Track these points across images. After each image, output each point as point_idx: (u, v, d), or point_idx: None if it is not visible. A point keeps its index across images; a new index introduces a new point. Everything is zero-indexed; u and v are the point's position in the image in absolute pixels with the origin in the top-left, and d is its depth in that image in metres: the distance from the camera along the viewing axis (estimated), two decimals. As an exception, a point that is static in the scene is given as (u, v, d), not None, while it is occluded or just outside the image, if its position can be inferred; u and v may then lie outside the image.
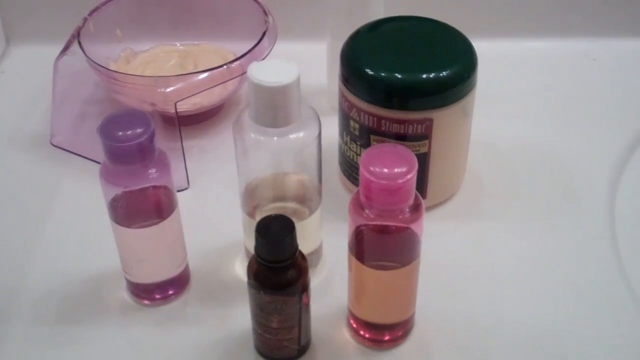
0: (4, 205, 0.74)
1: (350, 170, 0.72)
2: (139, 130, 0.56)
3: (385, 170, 0.52)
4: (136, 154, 0.56)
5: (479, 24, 0.84)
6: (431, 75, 0.65)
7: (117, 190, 0.59)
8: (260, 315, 0.57)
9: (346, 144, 0.70)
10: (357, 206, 0.55)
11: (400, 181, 0.52)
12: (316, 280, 0.65)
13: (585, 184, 0.76)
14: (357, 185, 0.71)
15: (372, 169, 0.52)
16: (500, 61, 0.88)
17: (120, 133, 0.56)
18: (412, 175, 0.52)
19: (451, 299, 0.65)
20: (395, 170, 0.52)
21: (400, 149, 0.54)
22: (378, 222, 0.54)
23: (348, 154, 0.70)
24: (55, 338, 0.63)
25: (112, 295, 0.66)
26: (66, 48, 0.78)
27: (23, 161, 0.79)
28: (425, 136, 0.66)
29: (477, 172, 0.76)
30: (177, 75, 0.74)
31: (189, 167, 0.76)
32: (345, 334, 0.62)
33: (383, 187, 0.52)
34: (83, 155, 0.78)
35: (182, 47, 0.86)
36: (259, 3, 0.81)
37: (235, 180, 0.63)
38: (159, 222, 0.61)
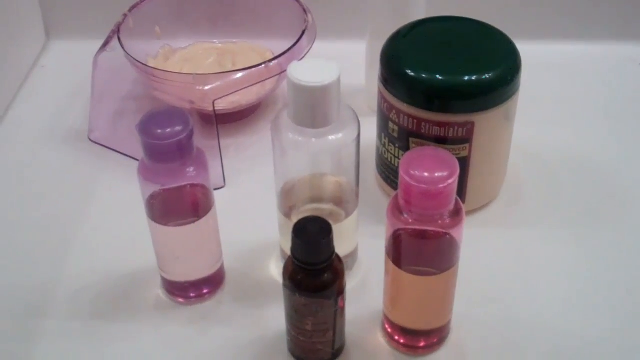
0: (42, 200, 0.75)
1: (387, 172, 0.71)
2: (178, 128, 0.55)
3: (426, 174, 0.51)
4: (175, 152, 0.56)
5: (522, 26, 0.83)
6: (473, 78, 0.63)
7: (155, 188, 0.59)
8: (295, 318, 0.57)
9: (384, 145, 0.69)
10: (396, 210, 0.54)
11: (441, 186, 0.51)
12: (351, 283, 0.64)
13: (628, 193, 0.74)
14: (394, 188, 0.71)
15: (412, 172, 0.51)
16: (544, 64, 0.87)
17: (160, 131, 0.55)
18: (454, 180, 0.51)
19: (488, 306, 0.64)
20: (436, 174, 0.51)
21: (441, 152, 0.53)
22: (417, 227, 0.53)
23: (386, 156, 0.70)
24: (89, 334, 0.63)
25: (147, 292, 0.66)
26: (106, 44, 0.78)
27: (61, 156, 0.79)
28: (466, 140, 0.65)
29: (517, 178, 0.74)
30: (216, 73, 0.73)
31: (225, 165, 0.75)
32: (380, 339, 0.62)
33: (423, 192, 0.51)
34: (121, 151, 0.79)
35: (220, 45, 0.86)
36: (298, 1, 0.80)
37: (272, 179, 0.63)
38: (196, 220, 0.60)
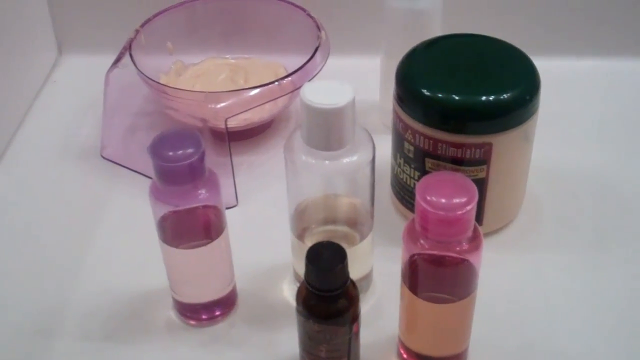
0: (53, 217, 0.74)
1: (402, 192, 0.70)
2: (189, 151, 0.54)
3: (443, 200, 0.50)
4: (186, 174, 0.55)
5: (539, 42, 0.81)
6: (491, 98, 0.62)
7: (166, 209, 0.58)
8: (309, 344, 0.55)
9: (399, 165, 0.68)
10: (412, 235, 0.53)
11: (459, 212, 0.49)
12: (366, 306, 0.63)
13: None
14: (409, 208, 0.69)
15: (429, 198, 0.50)
16: (562, 81, 0.85)
17: (171, 153, 0.54)
18: (472, 207, 0.50)
19: (506, 331, 0.62)
20: (454, 200, 0.50)
21: (459, 177, 0.52)
22: (434, 252, 0.52)
23: (401, 176, 0.68)
24: (100, 356, 0.62)
25: (158, 313, 0.65)
26: (118, 60, 0.78)
27: (73, 173, 0.79)
28: (484, 161, 0.63)
29: (536, 199, 0.73)
30: (228, 91, 0.72)
31: (237, 183, 0.74)
32: (395, 365, 0.60)
33: (440, 218, 0.50)
34: (133, 169, 0.78)
35: (233, 61, 0.85)
36: (312, 18, 0.79)
37: (284, 198, 0.61)
38: (208, 242, 0.59)
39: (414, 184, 0.67)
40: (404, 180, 0.68)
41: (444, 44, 0.69)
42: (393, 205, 0.73)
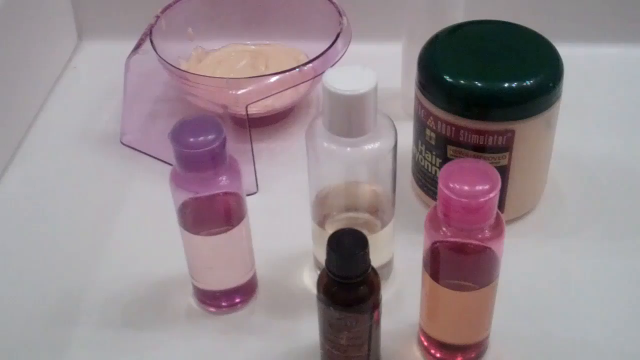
0: (72, 204, 0.74)
1: (424, 180, 0.69)
2: (210, 137, 0.54)
3: (466, 187, 0.49)
4: (207, 161, 0.55)
5: (563, 28, 0.80)
6: (514, 85, 0.61)
7: (187, 196, 0.58)
8: (329, 331, 0.55)
9: (421, 153, 0.68)
10: (434, 222, 0.52)
11: (482, 200, 0.49)
12: (386, 294, 0.62)
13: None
14: (430, 195, 0.69)
15: (452, 185, 0.50)
16: (586, 68, 0.84)
17: (192, 139, 0.54)
18: (495, 194, 0.49)
19: (527, 320, 0.62)
20: (477, 187, 0.49)
21: (482, 164, 0.51)
22: (456, 240, 0.52)
23: (422, 163, 0.68)
24: (119, 343, 0.62)
25: (178, 300, 0.65)
26: (138, 46, 0.77)
27: (93, 159, 0.79)
28: (506, 148, 0.63)
29: (558, 187, 0.72)
30: (249, 77, 0.72)
31: (257, 170, 0.74)
32: (416, 352, 0.60)
33: (463, 205, 0.49)
34: (153, 155, 0.78)
35: (253, 47, 0.85)
36: (333, 3, 0.79)
37: (305, 185, 0.61)
38: (228, 229, 0.59)
39: (435, 171, 0.67)
40: (425, 167, 0.68)
41: (467, 30, 0.68)
42: (414, 192, 0.72)
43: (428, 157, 0.67)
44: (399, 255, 0.65)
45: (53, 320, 0.64)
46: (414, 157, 0.70)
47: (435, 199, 0.68)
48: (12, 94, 0.79)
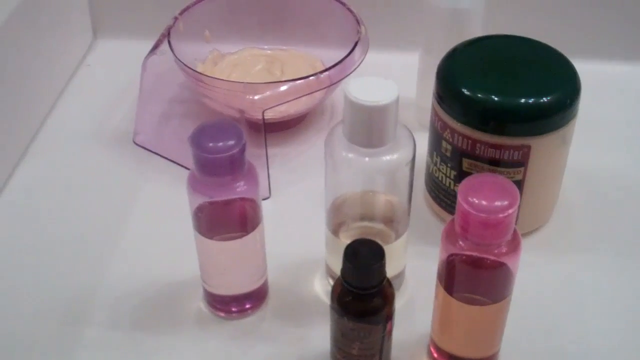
0: (84, 203, 0.74)
1: (437, 191, 0.69)
2: (230, 142, 0.54)
3: (484, 202, 0.50)
4: (226, 166, 0.55)
5: (578, 44, 0.80)
6: (531, 100, 0.62)
7: (203, 200, 0.58)
8: (341, 341, 0.55)
9: (435, 164, 0.68)
10: (451, 235, 0.52)
11: (501, 215, 0.49)
12: (397, 304, 0.62)
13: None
14: (443, 207, 0.69)
15: (471, 199, 0.50)
16: (600, 84, 0.84)
17: (212, 144, 0.54)
18: (514, 210, 0.49)
19: (537, 335, 0.62)
20: (496, 203, 0.49)
21: (501, 179, 0.51)
22: (472, 254, 0.52)
23: (437, 175, 0.68)
24: (127, 345, 0.62)
25: (188, 303, 0.65)
26: (156, 47, 0.77)
27: (105, 159, 0.79)
28: (521, 163, 0.63)
29: (570, 202, 0.72)
30: (266, 82, 0.72)
31: (270, 175, 0.74)
32: (426, 364, 0.60)
33: (482, 220, 0.49)
34: (166, 156, 0.78)
35: (269, 52, 0.85)
36: (352, 12, 0.79)
37: (318, 192, 0.61)
38: (243, 235, 0.59)
39: (450, 183, 0.67)
40: (439, 179, 0.68)
41: (486, 44, 0.68)
42: (426, 202, 0.73)
43: (443, 169, 0.67)
44: (409, 265, 0.65)
45: (62, 320, 0.64)
46: (427, 168, 0.70)
47: (448, 211, 0.68)
48: (25, 90, 0.79)
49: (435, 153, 0.67)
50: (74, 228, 0.71)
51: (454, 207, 0.67)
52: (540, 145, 0.62)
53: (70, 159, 0.79)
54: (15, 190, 0.75)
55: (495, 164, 0.63)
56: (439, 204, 0.70)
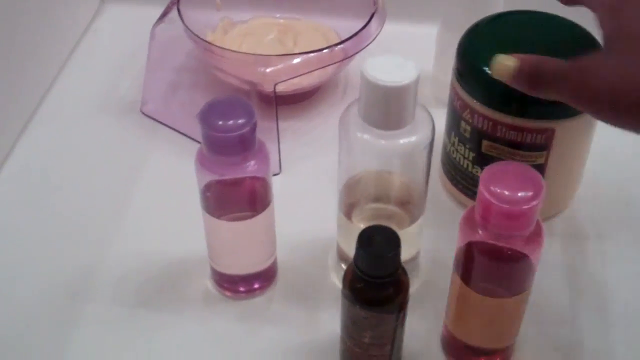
0: (89, 174, 0.72)
1: (454, 172, 0.67)
2: (241, 121, 0.52)
3: (507, 192, 0.47)
4: (236, 145, 0.52)
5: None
6: None
7: (212, 178, 0.55)
8: (352, 329, 0.53)
9: (453, 144, 0.65)
10: (470, 223, 0.50)
11: (525, 207, 0.47)
12: (411, 290, 0.61)
13: None
14: (459, 189, 0.67)
15: (493, 189, 0.47)
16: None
17: (221, 122, 0.52)
18: (538, 202, 0.47)
19: (555, 325, 0.60)
20: (519, 193, 0.47)
21: (526, 169, 0.49)
22: (493, 243, 0.49)
23: (454, 156, 0.66)
24: (131, 322, 0.61)
25: (195, 281, 0.63)
26: (165, 14, 0.75)
27: (111, 129, 0.76)
28: (544, 147, 0.60)
29: (593, 187, 0.69)
30: (278, 55, 0.70)
31: (281, 150, 0.72)
32: (439, 353, 0.58)
33: (504, 211, 0.47)
34: (174, 127, 0.75)
35: (282, 21, 0.82)
36: (369, -19, 0.76)
37: (330, 168, 0.59)
38: (253, 215, 0.57)
39: (467, 164, 0.64)
40: (457, 159, 0.65)
41: (509, 20, 0.65)
42: (442, 183, 0.70)
43: (461, 149, 0.64)
44: (425, 249, 0.63)
45: (66, 296, 0.62)
46: (444, 147, 0.68)
47: (464, 194, 0.66)
48: (29, 56, 0.77)
49: (453, 133, 0.65)
50: (78, 200, 0.70)
51: (470, 190, 0.66)
52: (565, 129, 0.60)
53: (75, 128, 0.77)
54: (17, 161, 0.73)
55: (516, 146, 0.61)
56: (455, 186, 0.67)
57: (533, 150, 0.60)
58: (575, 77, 0.51)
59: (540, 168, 0.61)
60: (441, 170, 0.70)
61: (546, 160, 0.61)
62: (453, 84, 0.64)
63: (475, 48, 0.62)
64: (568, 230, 0.67)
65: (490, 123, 0.60)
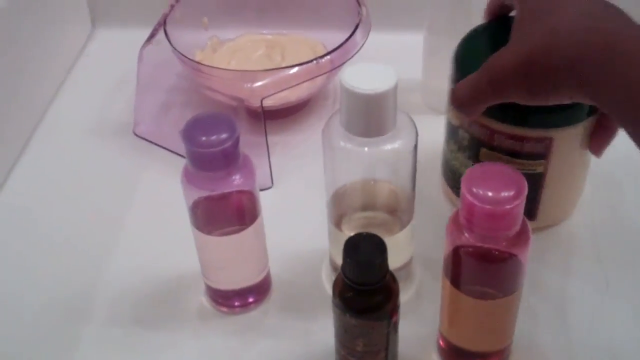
0: (83, 196, 0.72)
1: (454, 179, 0.66)
2: (223, 136, 0.52)
3: (490, 193, 0.47)
4: (220, 160, 0.53)
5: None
6: None
7: (199, 194, 0.56)
8: (345, 338, 0.53)
9: (452, 152, 0.64)
10: (457, 227, 0.50)
11: (508, 207, 0.47)
12: (404, 296, 0.61)
13: None
14: (459, 196, 0.65)
15: (475, 190, 0.47)
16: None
17: (204, 138, 0.52)
18: (521, 201, 0.47)
19: (552, 329, 0.60)
20: (502, 194, 0.47)
21: (507, 169, 0.49)
22: (479, 245, 0.49)
23: (453, 163, 0.65)
24: (128, 342, 0.61)
25: (189, 299, 0.63)
26: (152, 36, 0.75)
27: (105, 151, 0.77)
28: (543, 155, 0.59)
29: (593, 198, 0.68)
30: (265, 70, 0.70)
31: (272, 164, 0.72)
32: (436, 358, 0.58)
33: (487, 212, 0.47)
34: (166, 147, 0.76)
35: (269, 37, 0.82)
36: (352, -7, 0.76)
37: (321, 180, 0.59)
38: (242, 229, 0.57)
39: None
40: (456, 167, 0.64)
41: (502, 27, 0.64)
42: (442, 190, 0.69)
43: (459, 157, 0.63)
44: (421, 255, 0.63)
45: (62, 317, 0.62)
46: (444, 154, 0.67)
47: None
48: (24, 82, 0.78)
49: (452, 141, 0.64)
50: (74, 222, 0.70)
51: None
52: (563, 138, 0.59)
53: (70, 151, 0.78)
54: (15, 183, 0.74)
55: (515, 155, 0.59)
56: (456, 193, 0.66)
57: (532, 159, 0.60)
58: (484, 75, 0.53)
59: (540, 177, 0.61)
60: (442, 177, 0.69)
61: (546, 168, 0.60)
62: (450, 92, 0.63)
63: (471, 57, 0.61)
64: (569, 238, 0.66)
65: (488, 132, 0.59)
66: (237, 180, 0.55)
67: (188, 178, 0.55)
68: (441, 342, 0.57)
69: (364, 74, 0.51)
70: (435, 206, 0.68)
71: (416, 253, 0.63)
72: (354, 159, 0.55)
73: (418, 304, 0.61)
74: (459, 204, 0.63)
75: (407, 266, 0.62)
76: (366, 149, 0.53)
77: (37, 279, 0.65)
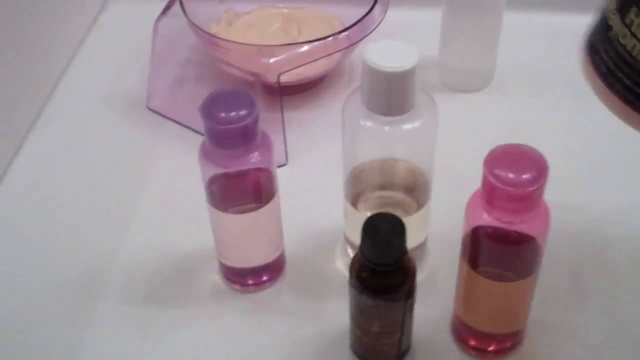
0: (96, 172, 0.72)
1: (618, 65, 0.46)
2: (242, 113, 0.51)
3: (511, 175, 0.47)
4: (239, 137, 0.52)
5: None
6: None
7: (216, 171, 0.55)
8: (360, 318, 0.53)
9: (629, 24, 0.44)
10: (476, 207, 0.50)
11: (530, 189, 0.46)
12: (419, 276, 0.60)
13: None
14: (617, 88, 0.50)
15: (497, 172, 0.47)
16: None
17: (223, 114, 0.52)
18: (542, 183, 0.46)
19: (567, 311, 0.59)
20: (524, 176, 0.46)
21: (531, 150, 0.48)
22: (499, 226, 0.49)
23: (625, 42, 0.45)
24: (141, 319, 0.60)
25: (203, 276, 0.63)
26: (168, 8, 0.75)
27: (118, 125, 0.76)
28: None
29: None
30: (282, 45, 0.69)
31: (287, 141, 0.71)
32: (449, 340, 0.58)
33: (509, 194, 0.46)
34: (180, 121, 0.75)
35: (286, 10, 0.81)
36: (371, -34, 0.75)
37: (337, 157, 0.58)
38: (258, 207, 0.57)
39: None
40: (631, 47, 0.44)
41: None
42: (589, 80, 0.57)
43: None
44: (435, 235, 0.62)
45: (75, 294, 0.62)
46: (604, 31, 0.47)
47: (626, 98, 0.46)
48: (36, 53, 0.77)
49: (635, 7, 0.43)
50: (86, 197, 0.69)
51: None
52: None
53: (82, 125, 0.77)
54: (27, 156, 0.73)
55: None
56: (612, 84, 0.47)
57: None
58: None
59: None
60: (588, 62, 0.49)
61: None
62: None
63: None
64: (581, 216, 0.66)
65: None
66: (255, 158, 0.54)
67: (205, 154, 0.55)
68: (456, 324, 0.57)
69: (387, 52, 0.51)
70: (451, 187, 0.67)
71: (430, 233, 0.62)
72: (374, 137, 0.54)
73: (432, 285, 0.61)
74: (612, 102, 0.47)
75: (421, 247, 0.62)
76: (387, 127, 0.53)
77: (51, 256, 0.65)
